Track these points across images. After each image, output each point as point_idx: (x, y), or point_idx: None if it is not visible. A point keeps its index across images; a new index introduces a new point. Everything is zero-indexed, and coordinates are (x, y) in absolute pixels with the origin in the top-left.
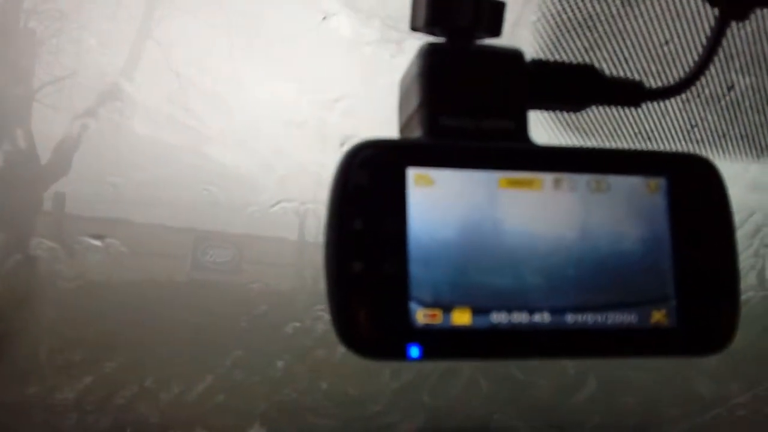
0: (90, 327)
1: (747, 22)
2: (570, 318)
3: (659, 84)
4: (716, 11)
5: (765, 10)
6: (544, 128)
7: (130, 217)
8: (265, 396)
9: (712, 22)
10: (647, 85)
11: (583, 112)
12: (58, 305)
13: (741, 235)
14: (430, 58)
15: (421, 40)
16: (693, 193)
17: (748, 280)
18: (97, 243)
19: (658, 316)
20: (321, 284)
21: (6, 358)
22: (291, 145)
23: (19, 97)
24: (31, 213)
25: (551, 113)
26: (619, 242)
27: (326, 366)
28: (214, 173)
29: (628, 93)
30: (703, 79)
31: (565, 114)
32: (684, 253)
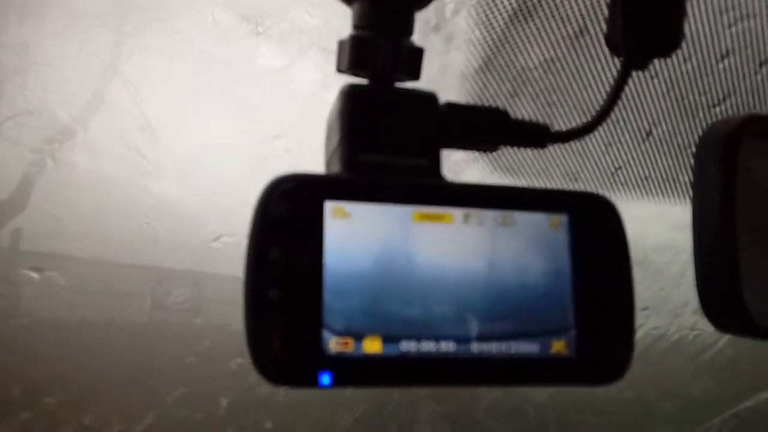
0: (31, 365)
1: (659, 73)
2: (475, 347)
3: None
4: (619, 61)
5: (676, 61)
6: (478, 169)
7: (73, 251)
8: None
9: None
10: (552, 128)
11: (512, 153)
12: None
13: (670, 273)
14: (350, 98)
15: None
16: (592, 229)
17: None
18: (35, 276)
19: (558, 346)
20: None
21: None
22: (232, 180)
23: None
24: None
25: (486, 155)
26: (523, 275)
27: (271, 404)
28: (154, 207)
29: (535, 135)
30: (621, 127)
31: (495, 155)
32: (583, 286)
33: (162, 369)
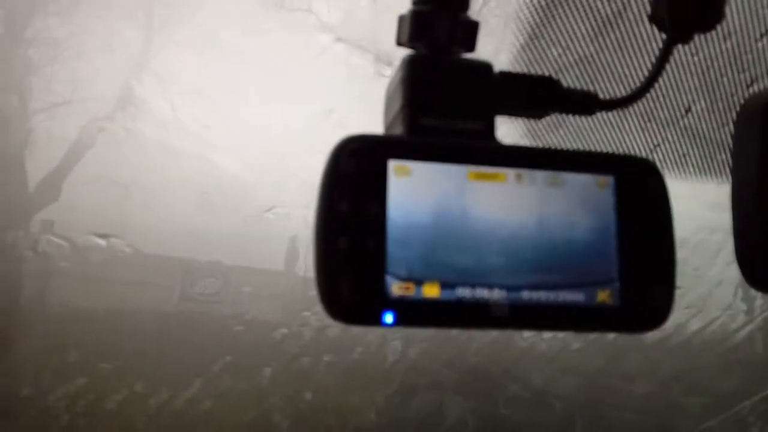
0: (89, 333)
1: (699, 50)
2: (525, 295)
3: None
4: (663, 36)
5: (716, 39)
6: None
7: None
8: (252, 405)
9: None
10: (601, 96)
11: (553, 132)
12: (57, 307)
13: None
14: (412, 67)
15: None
16: (637, 190)
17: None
18: (102, 242)
19: (603, 296)
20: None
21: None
22: (286, 155)
23: (14, 124)
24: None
25: (524, 122)
26: (570, 231)
27: (312, 374)
28: (215, 178)
29: (584, 102)
30: (660, 103)
31: (536, 131)
32: (628, 241)
33: (209, 338)
